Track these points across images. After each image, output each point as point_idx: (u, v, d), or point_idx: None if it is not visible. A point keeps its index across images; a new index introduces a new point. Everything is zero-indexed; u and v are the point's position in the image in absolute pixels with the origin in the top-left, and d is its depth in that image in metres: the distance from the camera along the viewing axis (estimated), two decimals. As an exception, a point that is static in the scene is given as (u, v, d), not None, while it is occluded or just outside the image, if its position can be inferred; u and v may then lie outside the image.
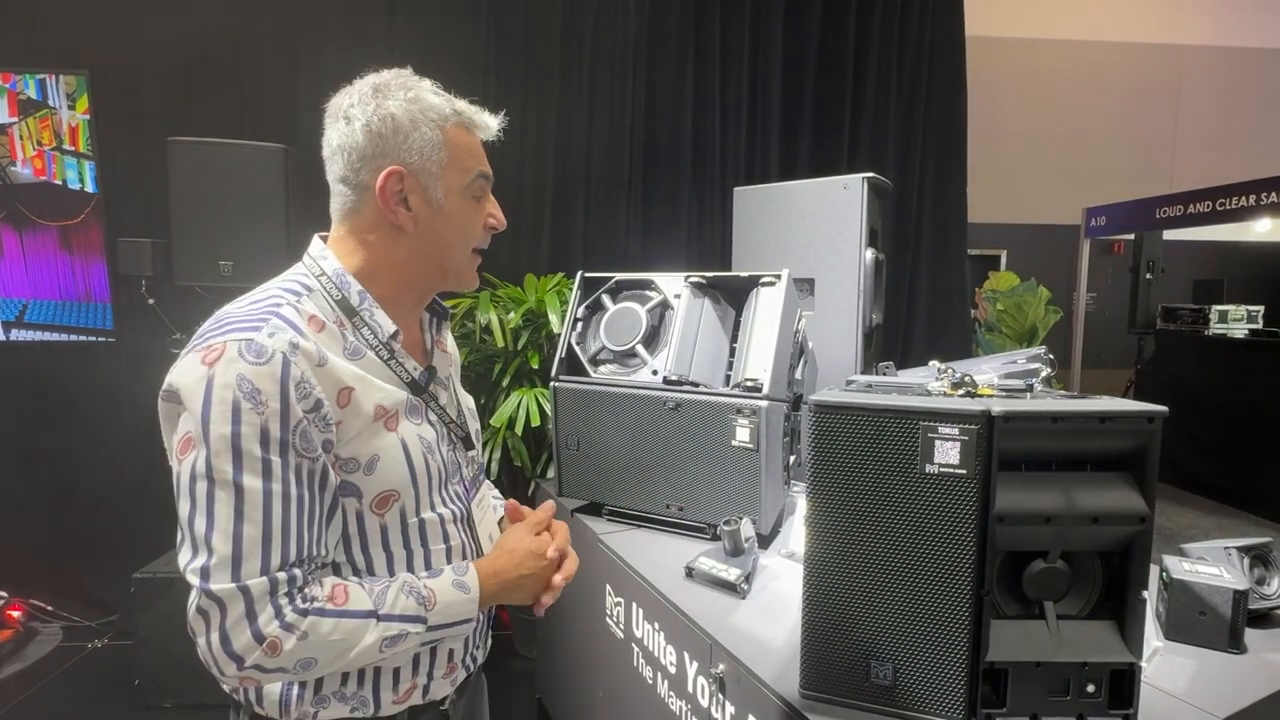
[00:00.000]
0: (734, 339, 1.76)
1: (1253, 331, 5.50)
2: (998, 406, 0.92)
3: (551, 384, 1.80)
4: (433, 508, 0.94)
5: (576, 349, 1.80)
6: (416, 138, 0.88)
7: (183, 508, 0.78)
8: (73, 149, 3.05)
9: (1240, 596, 1.20)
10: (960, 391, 1.06)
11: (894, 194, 2.99)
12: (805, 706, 1.04)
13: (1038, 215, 7.05)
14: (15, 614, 3.00)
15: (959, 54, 3.87)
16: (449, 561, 0.96)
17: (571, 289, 1.89)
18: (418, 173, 0.89)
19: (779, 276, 1.70)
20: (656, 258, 3.44)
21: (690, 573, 1.48)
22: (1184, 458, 5.16)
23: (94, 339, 3.13)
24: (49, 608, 3.10)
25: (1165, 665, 1.18)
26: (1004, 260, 7.45)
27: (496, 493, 1.23)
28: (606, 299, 1.83)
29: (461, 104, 0.94)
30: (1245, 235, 6.16)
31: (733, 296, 1.82)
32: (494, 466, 2.64)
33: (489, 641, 1.11)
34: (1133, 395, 5.83)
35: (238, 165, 2.62)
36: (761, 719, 1.12)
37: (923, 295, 3.87)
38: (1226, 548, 1.33)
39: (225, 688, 0.88)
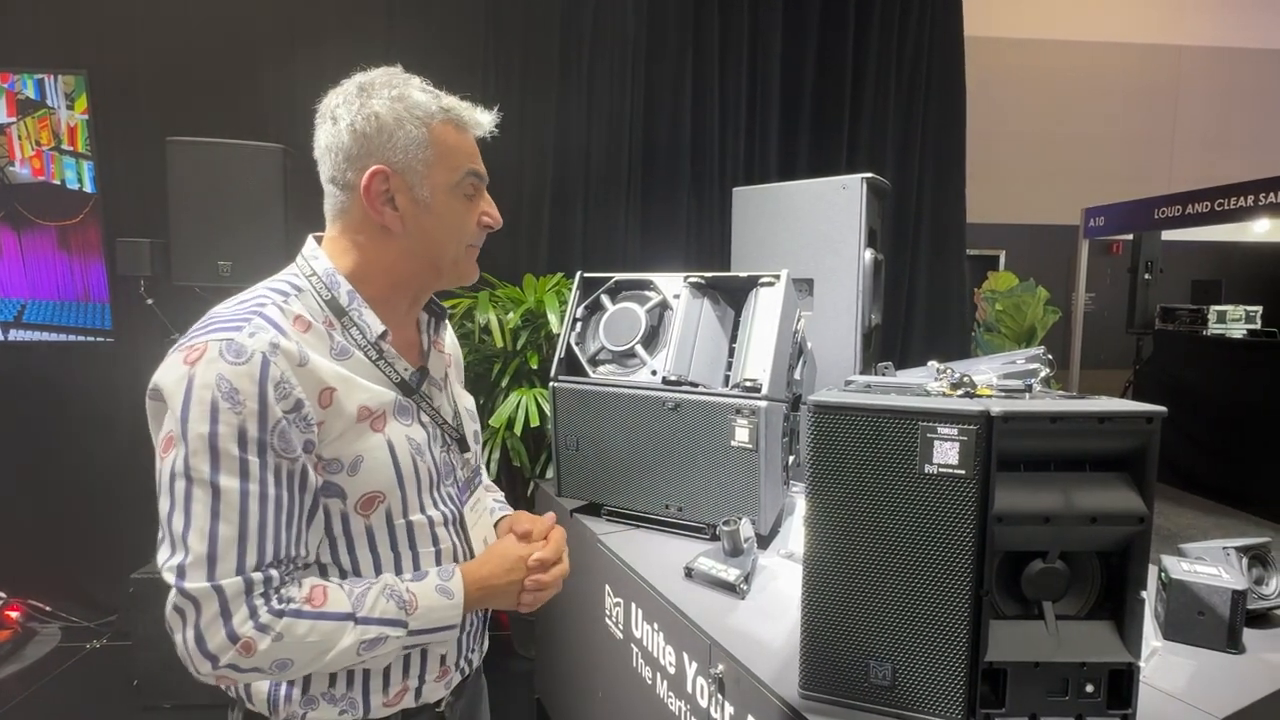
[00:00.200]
0: (733, 339, 1.76)
1: (1251, 332, 5.51)
2: (997, 407, 0.92)
3: (551, 384, 1.80)
4: (422, 510, 0.93)
5: (575, 349, 1.80)
6: (401, 136, 0.87)
7: (163, 505, 0.78)
8: (71, 149, 3.04)
9: (1239, 596, 1.20)
10: (959, 392, 1.07)
11: (893, 194, 2.99)
12: (804, 707, 1.04)
13: (1036, 215, 7.06)
14: (13, 614, 3.00)
15: (958, 54, 3.87)
16: (438, 565, 0.95)
17: (570, 289, 1.89)
18: (403, 172, 0.88)
19: (778, 277, 1.70)
20: (655, 258, 3.44)
21: (689, 573, 1.48)
22: (1182, 458, 5.17)
23: (92, 339, 3.13)
24: (47, 608, 3.09)
25: (1164, 665, 1.18)
26: (1003, 260, 7.46)
27: (500, 495, 1.22)
28: (605, 299, 1.83)
29: (450, 100, 0.92)
30: (1243, 236, 6.17)
31: (732, 296, 1.82)
32: (493, 467, 2.64)
33: (485, 643, 1.10)
34: (1131, 395, 5.83)
35: (236, 165, 2.62)
36: (761, 719, 1.12)
37: (921, 295, 3.87)
38: (1225, 548, 1.33)
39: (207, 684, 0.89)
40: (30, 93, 3.00)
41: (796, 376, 1.78)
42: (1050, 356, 1.63)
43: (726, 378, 1.70)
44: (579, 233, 3.47)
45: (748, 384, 1.59)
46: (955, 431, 0.92)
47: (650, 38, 3.47)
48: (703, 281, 1.78)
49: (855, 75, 3.70)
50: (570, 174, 3.45)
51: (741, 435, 1.57)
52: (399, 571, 0.91)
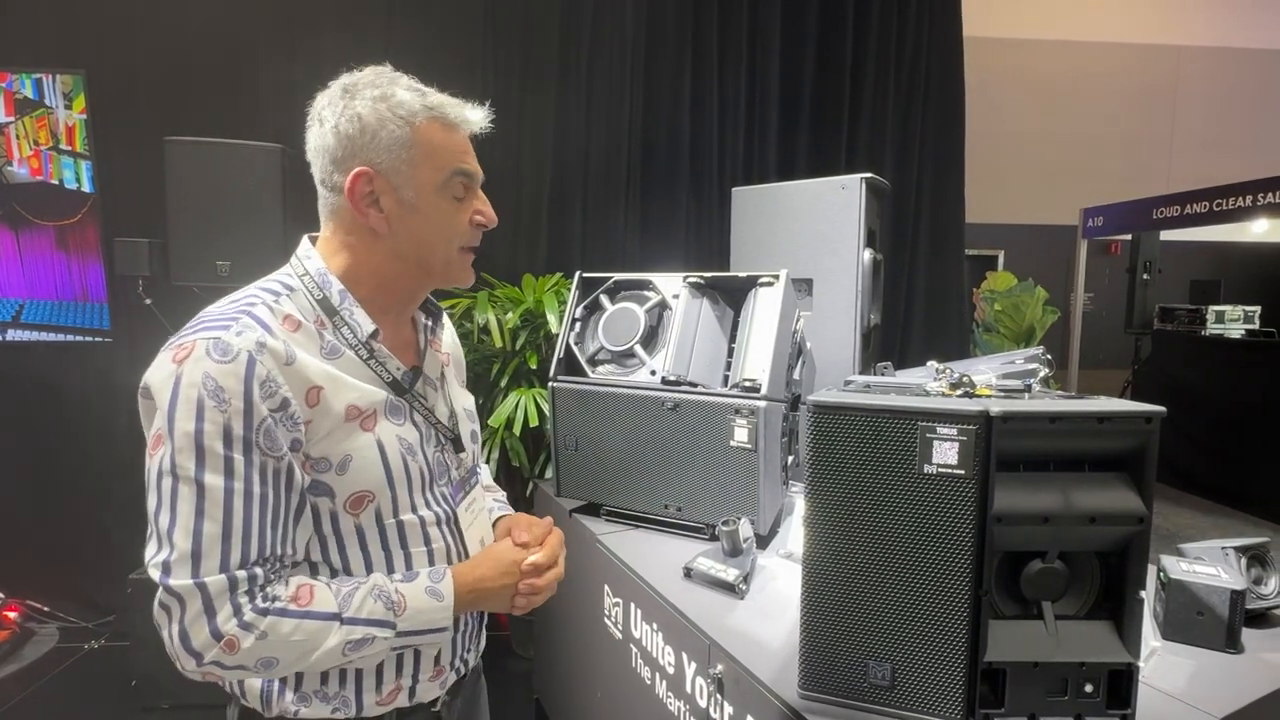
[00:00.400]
0: (732, 339, 1.76)
1: (1249, 332, 5.53)
2: (996, 407, 0.92)
3: (550, 384, 1.80)
4: (413, 509, 0.93)
5: (575, 349, 1.80)
6: (384, 136, 0.86)
7: (150, 502, 0.79)
8: (69, 149, 3.04)
9: (1237, 596, 1.20)
10: (958, 392, 1.06)
11: (892, 194, 2.99)
12: (803, 707, 1.04)
13: (1035, 215, 7.07)
14: (12, 615, 2.99)
15: (957, 54, 3.87)
16: (431, 565, 0.94)
17: (569, 289, 1.88)
18: (387, 173, 0.87)
19: (777, 277, 1.70)
20: (654, 258, 3.44)
21: (688, 573, 1.48)
22: (1181, 458, 5.18)
23: (91, 339, 3.12)
24: (45, 608, 3.09)
25: (1163, 665, 1.18)
26: (1002, 260, 7.47)
27: (501, 495, 1.21)
28: (605, 299, 1.83)
29: (437, 98, 0.91)
30: (1242, 236, 6.19)
31: (731, 296, 1.82)
32: (493, 467, 2.64)
33: (482, 643, 1.10)
34: (1130, 395, 5.84)
35: (235, 165, 2.62)
36: (760, 719, 1.12)
37: (920, 295, 3.87)
38: (1224, 548, 1.33)
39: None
40: (28, 92, 3.00)
41: (795, 376, 1.78)
42: (1049, 356, 1.63)
43: (725, 378, 1.70)
44: (578, 233, 3.47)
45: (747, 384, 1.59)
46: (954, 431, 0.92)
47: (649, 37, 3.47)
48: (702, 281, 1.78)
49: (854, 75, 3.70)
50: (569, 174, 3.45)
51: (740, 435, 1.57)
52: (390, 571, 0.91)
